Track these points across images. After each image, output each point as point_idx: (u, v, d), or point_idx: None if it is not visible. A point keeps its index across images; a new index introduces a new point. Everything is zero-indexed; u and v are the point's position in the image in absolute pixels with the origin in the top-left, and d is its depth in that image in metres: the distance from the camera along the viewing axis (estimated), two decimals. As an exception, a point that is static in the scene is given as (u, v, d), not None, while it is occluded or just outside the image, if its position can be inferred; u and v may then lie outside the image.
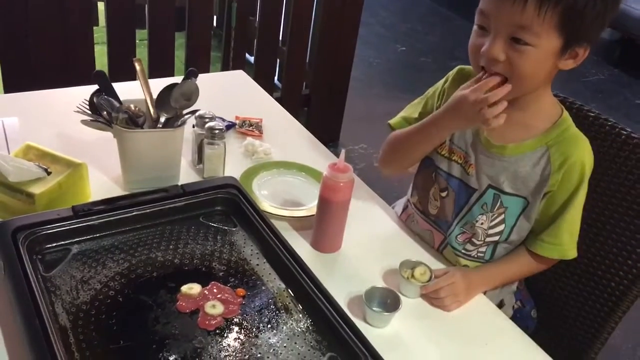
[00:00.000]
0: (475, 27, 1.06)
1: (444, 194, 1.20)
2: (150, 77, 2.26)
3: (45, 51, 2.16)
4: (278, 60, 2.88)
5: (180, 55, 2.58)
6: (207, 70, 2.60)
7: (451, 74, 1.22)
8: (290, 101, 2.86)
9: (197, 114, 1.29)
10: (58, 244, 0.97)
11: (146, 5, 2.35)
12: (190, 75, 1.22)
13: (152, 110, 1.22)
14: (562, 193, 1.12)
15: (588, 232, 1.31)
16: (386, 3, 5.00)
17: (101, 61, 2.42)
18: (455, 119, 1.09)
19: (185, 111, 1.21)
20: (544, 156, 1.10)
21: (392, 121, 1.27)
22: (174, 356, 0.84)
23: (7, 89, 2.15)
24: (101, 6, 2.26)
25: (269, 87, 2.81)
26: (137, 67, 1.22)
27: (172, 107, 1.20)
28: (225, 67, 2.67)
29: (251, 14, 2.69)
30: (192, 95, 1.19)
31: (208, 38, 2.54)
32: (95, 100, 1.16)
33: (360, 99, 3.33)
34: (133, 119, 1.16)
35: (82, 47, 2.24)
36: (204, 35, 2.52)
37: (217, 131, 1.26)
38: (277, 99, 2.81)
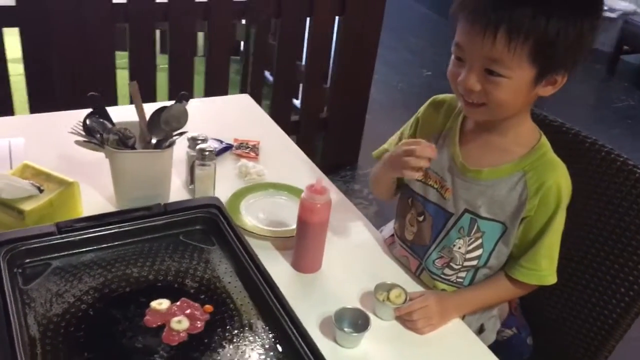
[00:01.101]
0: (453, 56, 1.08)
1: (421, 219, 1.20)
2: (171, 99, 2.33)
3: (69, 76, 2.26)
4: (301, 85, 2.93)
5: (199, 80, 2.66)
6: (225, 94, 2.67)
7: (426, 103, 1.26)
8: (308, 124, 2.91)
9: (190, 135, 1.34)
10: (39, 258, 1.02)
11: (167, 32, 2.45)
12: (181, 98, 1.27)
13: (145, 132, 1.27)
14: (540, 218, 1.11)
15: (583, 258, 1.31)
16: (415, 28, 5.03)
17: (123, 84, 2.51)
18: (387, 164, 1.17)
19: (175, 133, 1.26)
20: (520, 181, 1.10)
21: (374, 153, 1.31)
22: (134, 369, 0.87)
23: (32, 111, 2.25)
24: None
25: (288, 109, 2.85)
26: (132, 90, 1.27)
27: (162, 129, 1.25)
28: (242, 90, 2.74)
29: (272, 38, 2.76)
30: (180, 118, 1.23)
31: (226, 63, 2.61)
32: (88, 122, 1.22)
33: (381, 122, 3.35)
34: (123, 140, 1.21)
35: (104, 71, 2.34)
36: (223, 60, 2.60)
37: (207, 152, 1.30)
38: (295, 122, 2.88)
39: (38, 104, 2.24)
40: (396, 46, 4.52)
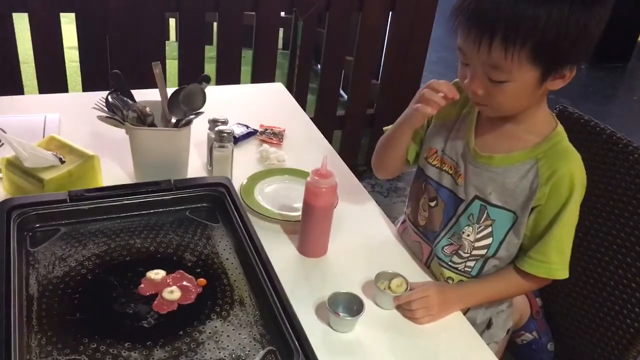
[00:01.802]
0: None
1: (432, 204, 1.19)
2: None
3: (121, 61, 2.35)
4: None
5: (246, 71, 2.70)
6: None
7: None
8: (355, 119, 2.90)
9: (211, 117, 1.37)
10: (49, 223, 1.06)
11: (215, 23, 2.50)
12: (201, 80, 1.30)
13: (166, 111, 1.31)
14: (551, 207, 1.07)
15: (609, 264, 1.26)
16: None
17: (172, 73, 2.59)
18: (404, 114, 1.20)
19: (192, 113, 1.28)
20: (532, 169, 1.07)
21: (386, 127, 1.30)
22: (120, 331, 0.89)
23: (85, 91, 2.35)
24: (171, 22, 2.41)
25: (334, 103, 2.85)
26: (156, 71, 1.31)
27: (181, 109, 1.28)
28: (289, 82, 2.76)
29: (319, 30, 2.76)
30: (197, 97, 1.26)
31: (273, 55, 2.64)
32: (110, 99, 1.27)
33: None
34: (141, 118, 1.25)
35: (154, 60, 2.41)
36: (270, 52, 2.62)
37: (225, 134, 1.31)
38: (340, 117, 2.87)
39: (91, 89, 2.34)
40: (454, 45, 4.42)
